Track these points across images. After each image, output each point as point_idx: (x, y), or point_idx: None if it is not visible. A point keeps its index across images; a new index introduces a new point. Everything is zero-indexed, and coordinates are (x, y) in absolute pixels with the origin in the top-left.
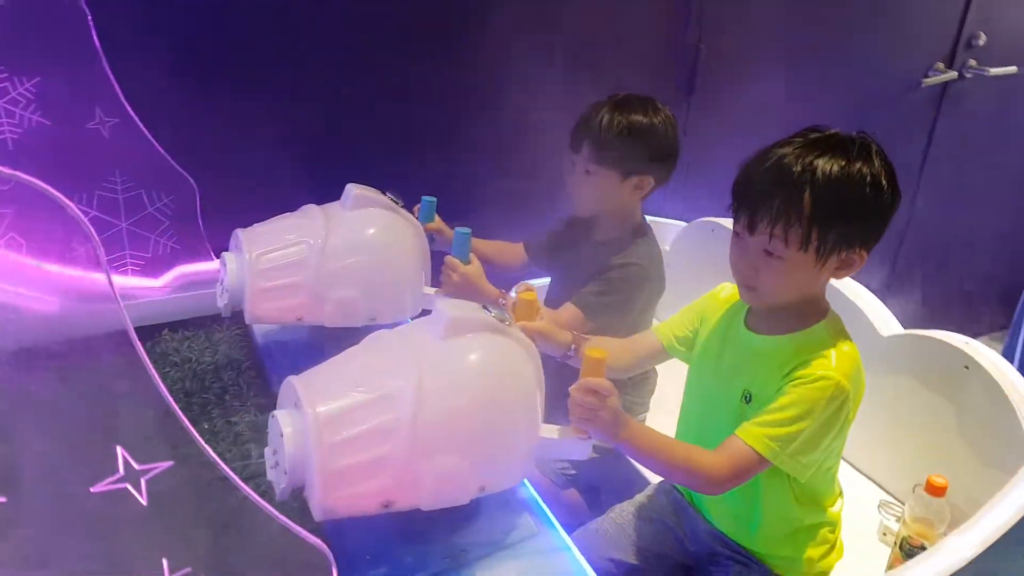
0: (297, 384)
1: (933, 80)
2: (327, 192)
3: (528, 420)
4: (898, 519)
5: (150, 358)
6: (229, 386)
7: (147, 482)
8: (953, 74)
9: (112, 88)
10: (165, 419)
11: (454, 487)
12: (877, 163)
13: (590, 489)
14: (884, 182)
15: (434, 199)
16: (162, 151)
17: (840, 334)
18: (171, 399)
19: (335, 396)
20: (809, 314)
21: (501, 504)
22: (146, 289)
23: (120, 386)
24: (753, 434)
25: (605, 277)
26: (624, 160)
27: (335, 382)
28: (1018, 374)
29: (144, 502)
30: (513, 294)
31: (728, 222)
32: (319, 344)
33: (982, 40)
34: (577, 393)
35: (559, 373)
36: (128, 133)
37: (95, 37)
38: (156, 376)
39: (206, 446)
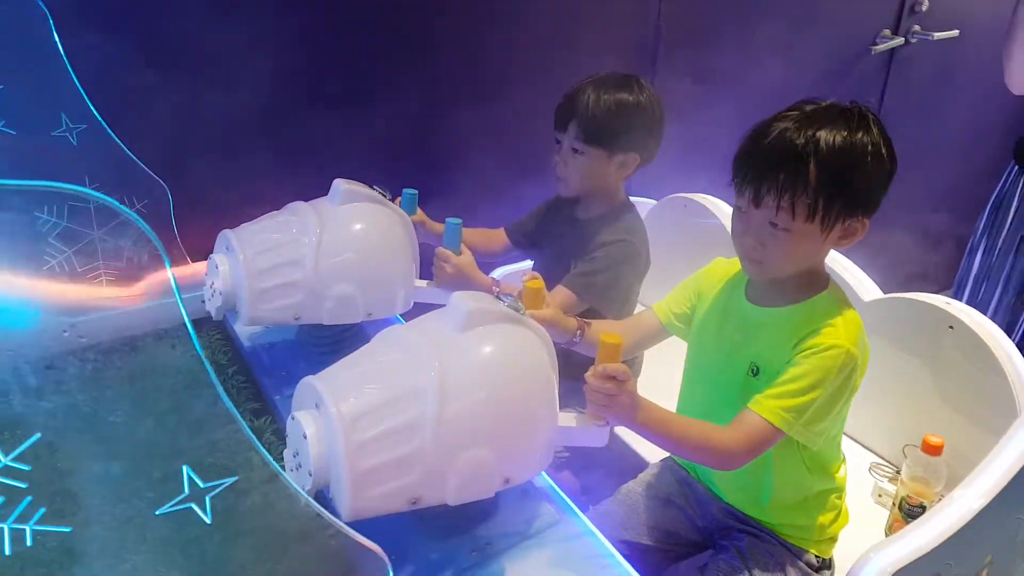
0: (317, 384)
1: (882, 47)
2: (303, 190)
3: (548, 409)
4: (891, 480)
5: (134, 369)
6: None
7: (211, 499)
8: (900, 40)
9: (77, 92)
10: (225, 431)
11: (480, 480)
12: (876, 131)
13: (583, 470)
14: (884, 150)
15: (415, 191)
16: (132, 155)
17: (843, 302)
18: (236, 411)
19: (357, 394)
20: (812, 285)
21: (520, 495)
22: (123, 299)
23: (183, 401)
24: (767, 407)
25: (593, 255)
26: (611, 138)
27: (355, 380)
28: (1002, 332)
29: (208, 520)
30: (511, 285)
31: (701, 197)
32: (304, 344)
33: (925, 6)
34: (595, 380)
35: (565, 359)
36: (96, 138)
37: (57, 39)
38: (220, 388)
39: (269, 457)
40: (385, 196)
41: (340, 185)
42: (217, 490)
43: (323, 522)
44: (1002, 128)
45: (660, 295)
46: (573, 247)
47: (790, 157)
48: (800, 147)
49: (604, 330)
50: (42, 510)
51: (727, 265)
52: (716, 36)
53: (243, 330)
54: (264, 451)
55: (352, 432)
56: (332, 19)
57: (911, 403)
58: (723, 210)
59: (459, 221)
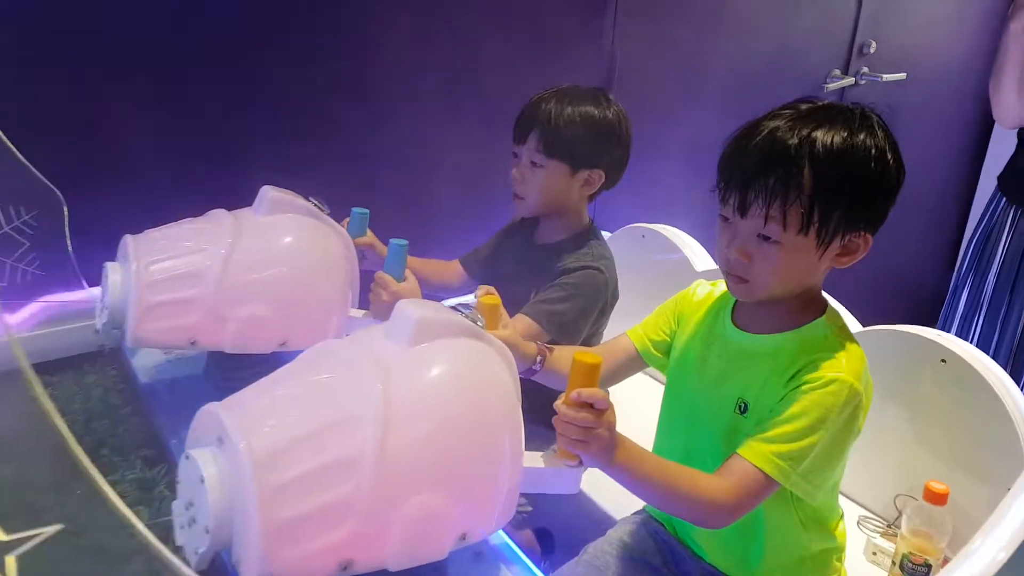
0: (221, 412)
1: (833, 86)
2: (232, 206)
3: (514, 445)
4: (884, 535)
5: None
6: (106, 438)
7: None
8: (850, 80)
9: None
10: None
11: (430, 536)
12: (880, 134)
13: (543, 530)
14: (890, 156)
15: (366, 211)
16: (22, 158)
17: (843, 331)
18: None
19: (275, 424)
20: (807, 309)
21: (472, 557)
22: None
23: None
24: (759, 452)
25: (559, 283)
26: (575, 151)
27: (272, 407)
28: (999, 366)
29: None
30: (472, 299)
31: (661, 228)
32: (212, 379)
33: (873, 48)
34: (569, 409)
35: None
36: None
37: None
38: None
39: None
40: (323, 210)
41: (267, 193)
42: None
43: None
44: (947, 170)
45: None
46: (533, 275)
47: (781, 159)
48: (794, 148)
49: (570, 354)
50: None
51: (709, 288)
52: (671, 67)
53: (143, 363)
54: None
55: (267, 473)
56: (261, 19)
57: (901, 447)
58: (686, 242)
59: (404, 243)
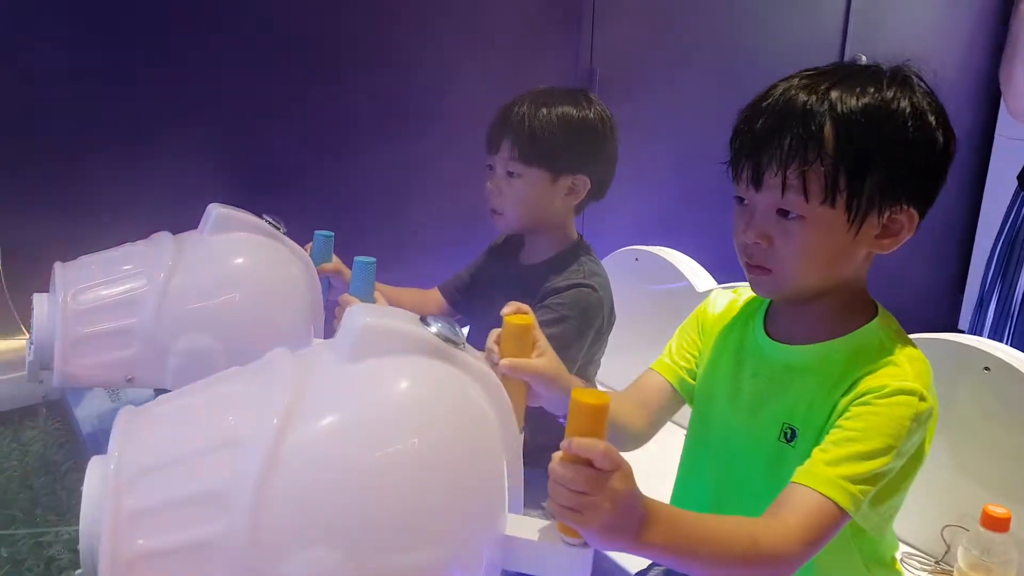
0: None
1: None
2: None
3: (489, 508)
4: (933, 573)
5: None
6: (42, 496)
7: None
8: None
9: None
10: None
11: None
12: (920, 95)
13: None
14: (932, 119)
15: (330, 234)
16: None
17: (901, 335)
18: None
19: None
20: (854, 310)
21: None
22: None
23: None
24: (822, 477)
25: (548, 304)
26: (553, 154)
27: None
28: None
29: None
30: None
31: (658, 250)
32: None
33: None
34: (559, 465)
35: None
36: None
37: None
38: None
39: None
40: (279, 228)
41: (213, 210)
42: None
43: None
44: (950, 179)
45: (617, 372)
46: (521, 300)
47: (797, 116)
48: (812, 103)
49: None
50: None
51: (732, 295)
52: (647, 86)
53: (87, 411)
54: None
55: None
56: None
57: (945, 471)
58: (685, 263)
59: (372, 260)
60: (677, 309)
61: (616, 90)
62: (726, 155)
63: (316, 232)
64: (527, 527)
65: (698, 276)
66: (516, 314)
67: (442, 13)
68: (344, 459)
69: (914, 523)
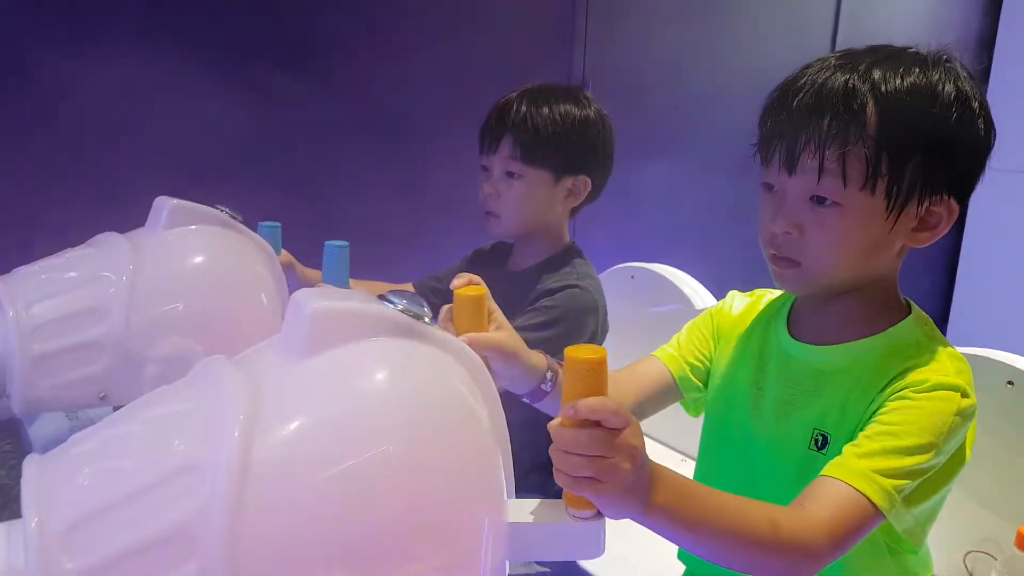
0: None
1: None
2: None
3: (488, 494)
4: None
5: None
6: None
7: None
8: None
9: None
10: None
11: None
12: (963, 80)
13: None
14: (975, 105)
15: (277, 224)
16: None
17: (937, 335)
18: None
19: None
20: (887, 308)
21: None
22: None
23: None
24: (854, 469)
25: (538, 306)
26: (557, 155)
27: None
28: None
29: None
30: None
31: (650, 266)
32: None
33: None
34: (565, 430)
35: (526, 423)
36: None
37: None
38: None
39: None
40: (236, 219)
41: (164, 203)
42: None
43: None
44: None
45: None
46: (507, 304)
47: (839, 96)
48: (854, 84)
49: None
50: None
51: (750, 297)
52: (643, 99)
53: (42, 432)
54: None
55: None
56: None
57: (967, 493)
58: (683, 279)
59: (344, 244)
60: (677, 329)
61: (609, 106)
62: (722, 167)
63: (261, 224)
64: (528, 510)
65: (697, 293)
66: (467, 287)
67: (435, 31)
68: (326, 466)
69: (935, 549)
